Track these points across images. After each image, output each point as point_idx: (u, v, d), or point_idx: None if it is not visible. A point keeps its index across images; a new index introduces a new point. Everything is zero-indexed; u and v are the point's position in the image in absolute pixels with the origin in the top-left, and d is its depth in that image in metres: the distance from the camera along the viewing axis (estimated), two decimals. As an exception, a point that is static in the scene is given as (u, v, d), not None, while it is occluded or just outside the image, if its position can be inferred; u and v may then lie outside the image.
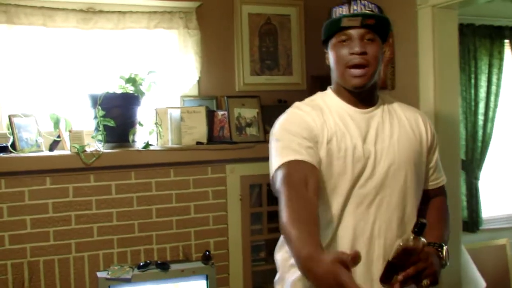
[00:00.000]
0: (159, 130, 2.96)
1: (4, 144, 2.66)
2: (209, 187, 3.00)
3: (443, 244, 1.52)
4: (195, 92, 3.25)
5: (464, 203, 3.99)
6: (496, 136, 4.06)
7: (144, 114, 2.94)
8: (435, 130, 1.71)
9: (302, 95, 3.59)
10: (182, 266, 2.79)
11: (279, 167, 1.44)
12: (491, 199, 4.21)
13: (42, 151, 2.76)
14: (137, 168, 2.83)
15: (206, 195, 2.99)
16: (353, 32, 1.53)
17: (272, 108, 3.32)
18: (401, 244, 1.36)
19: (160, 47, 3.12)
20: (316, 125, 1.52)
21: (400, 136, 1.59)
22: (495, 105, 4.00)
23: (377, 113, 1.60)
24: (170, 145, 2.97)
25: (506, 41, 4.07)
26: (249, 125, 3.15)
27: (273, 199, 3.14)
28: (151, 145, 2.87)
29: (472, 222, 4.00)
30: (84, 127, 2.83)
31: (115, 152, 2.73)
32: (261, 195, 3.14)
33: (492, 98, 3.99)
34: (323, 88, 1.69)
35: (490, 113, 3.99)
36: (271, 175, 1.50)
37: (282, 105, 3.36)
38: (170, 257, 2.92)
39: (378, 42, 1.56)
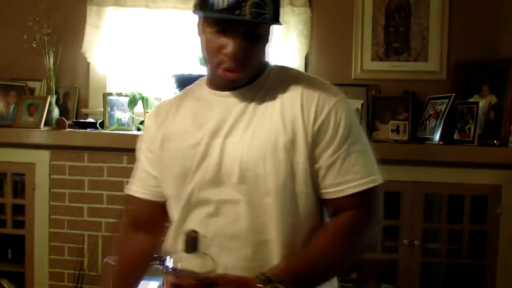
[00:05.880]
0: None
1: (93, 121, 2.79)
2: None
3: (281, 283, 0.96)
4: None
5: None
6: None
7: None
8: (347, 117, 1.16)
9: (439, 87, 2.83)
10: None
11: None
12: None
13: (130, 129, 2.79)
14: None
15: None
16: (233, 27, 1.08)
17: (391, 101, 2.74)
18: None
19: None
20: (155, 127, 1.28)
21: (259, 125, 1.13)
22: None
23: (245, 96, 1.16)
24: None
25: None
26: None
27: None
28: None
29: None
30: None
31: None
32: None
33: None
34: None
35: None
36: None
37: (405, 98, 2.72)
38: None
39: (265, 39, 1.15)
